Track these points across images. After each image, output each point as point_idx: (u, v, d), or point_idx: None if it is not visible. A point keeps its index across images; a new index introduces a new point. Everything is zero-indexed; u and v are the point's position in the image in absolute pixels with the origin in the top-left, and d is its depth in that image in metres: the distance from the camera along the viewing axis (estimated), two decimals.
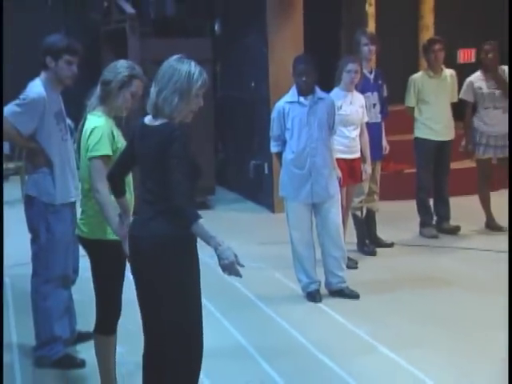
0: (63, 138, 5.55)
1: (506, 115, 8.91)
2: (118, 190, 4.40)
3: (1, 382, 3.91)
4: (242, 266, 4.05)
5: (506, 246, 8.29)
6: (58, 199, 5.42)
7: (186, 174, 3.90)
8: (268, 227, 8.97)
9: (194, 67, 4.05)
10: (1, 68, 3.21)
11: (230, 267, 3.96)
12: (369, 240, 8.34)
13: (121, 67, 4.66)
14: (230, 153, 11.27)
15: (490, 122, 9.02)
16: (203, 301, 6.62)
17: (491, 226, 9.20)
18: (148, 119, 4.19)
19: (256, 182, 10.75)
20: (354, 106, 7.51)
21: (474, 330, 6.09)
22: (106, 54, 11.65)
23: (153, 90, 4.11)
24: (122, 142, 4.60)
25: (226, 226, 9.64)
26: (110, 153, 4.50)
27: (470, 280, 7.39)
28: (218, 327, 6.27)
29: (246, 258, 8.00)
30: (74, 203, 5.62)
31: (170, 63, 4.15)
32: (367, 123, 7.75)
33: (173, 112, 4.03)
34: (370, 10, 11.25)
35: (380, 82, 8.34)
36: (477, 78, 9.04)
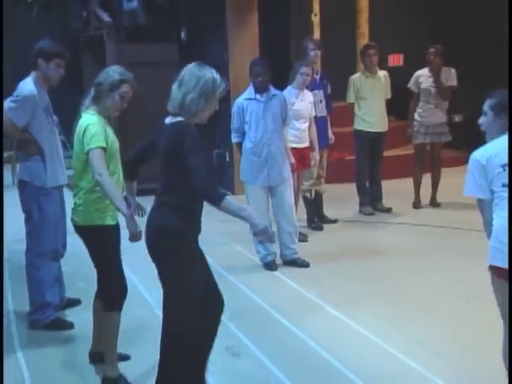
0: (51, 130, 5.56)
1: (438, 110, 9.06)
2: (130, 175, 4.52)
3: (1, 377, 3.77)
4: (273, 232, 4.24)
5: (429, 221, 8.50)
6: (48, 183, 5.41)
7: (202, 161, 3.87)
8: None
9: (215, 74, 4.04)
10: (1, 69, 3.12)
11: (264, 233, 3.95)
12: (317, 217, 8.40)
13: (113, 72, 4.54)
14: None
15: (424, 114, 9.11)
16: None
17: (417, 205, 9.34)
18: (168, 119, 4.14)
19: (219, 168, 10.75)
20: (304, 103, 7.58)
21: (406, 288, 6.22)
22: (86, 58, 11.58)
23: (177, 92, 4.03)
24: (112, 138, 4.59)
25: None
26: (105, 145, 4.39)
27: (401, 249, 7.53)
28: None
29: (210, 234, 8.11)
30: (62, 186, 5.63)
31: (193, 69, 4.07)
32: (315, 117, 7.81)
33: (198, 112, 4.03)
34: (315, 20, 11.29)
35: (325, 81, 8.38)
36: (422, 73, 9.12)
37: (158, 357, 4.11)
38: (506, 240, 3.74)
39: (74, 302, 5.96)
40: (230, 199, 3.86)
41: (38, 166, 5.36)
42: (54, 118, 5.80)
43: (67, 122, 12.55)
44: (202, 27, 11.12)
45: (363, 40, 11.30)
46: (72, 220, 4.62)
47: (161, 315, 4.16)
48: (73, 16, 12.35)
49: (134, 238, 4.29)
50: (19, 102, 5.29)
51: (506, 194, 3.76)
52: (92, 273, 6.83)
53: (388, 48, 11.13)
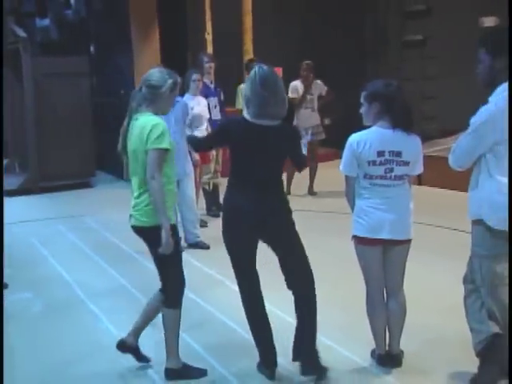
0: None
1: (314, 113, 9.32)
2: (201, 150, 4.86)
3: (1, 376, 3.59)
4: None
5: (307, 206, 8.72)
6: None
7: None
8: None
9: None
10: (1, 73, 2.95)
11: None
12: (214, 206, 8.49)
13: (167, 75, 4.02)
14: (106, 144, 11.15)
15: (302, 117, 9.32)
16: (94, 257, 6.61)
17: (287, 193, 9.46)
18: (263, 121, 3.89)
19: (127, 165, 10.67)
20: (201, 106, 7.66)
21: None
22: (4, 69, 11.26)
23: (267, 95, 3.84)
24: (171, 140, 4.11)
25: (106, 199, 9.65)
26: (170, 147, 3.92)
27: None
28: (105, 274, 6.30)
29: (124, 223, 8.07)
30: None
31: (270, 71, 3.95)
32: (211, 119, 7.90)
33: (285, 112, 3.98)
34: (208, 37, 11.40)
35: (218, 89, 8.50)
36: (297, 83, 9.31)
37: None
38: (364, 216, 3.99)
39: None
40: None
41: None
42: None
43: None
44: (110, 42, 11.04)
45: (248, 55, 11.48)
46: (137, 221, 4.09)
47: None
48: None
49: (167, 249, 3.93)
50: None
51: (373, 187, 3.95)
52: (17, 259, 6.82)
53: (269, 62, 11.32)
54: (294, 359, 4.15)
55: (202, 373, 4.20)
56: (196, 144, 4.87)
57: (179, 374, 4.15)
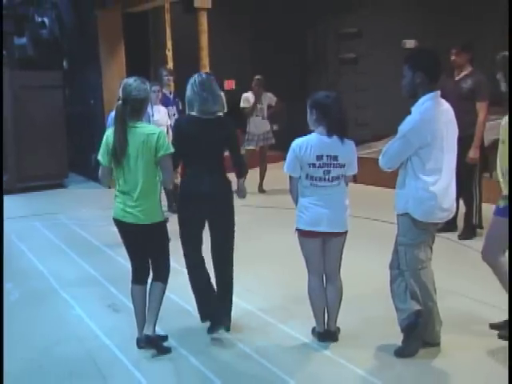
0: None
1: (265, 120, 9.35)
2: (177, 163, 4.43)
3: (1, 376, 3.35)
4: None
5: (257, 203, 8.74)
6: None
7: None
8: (106, 198, 8.76)
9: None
10: (1, 72, 2.77)
11: None
12: (174, 203, 8.39)
13: (144, 84, 3.97)
14: (77, 149, 11.00)
15: (254, 124, 9.35)
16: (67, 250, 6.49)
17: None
18: (205, 115, 4.20)
19: (96, 168, 10.48)
20: (160, 114, 7.62)
21: (240, 251, 6.35)
22: None
23: (206, 95, 4.15)
24: None
25: (78, 198, 9.51)
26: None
27: (240, 224, 7.57)
28: (77, 266, 6.20)
29: (94, 219, 8.00)
30: None
31: (206, 77, 4.29)
32: (171, 126, 7.84)
33: None
34: (169, 54, 11.31)
35: (177, 99, 8.46)
36: (248, 95, 9.32)
37: None
38: (305, 211, 4.02)
39: None
40: None
41: None
42: None
43: None
44: (81, 58, 10.89)
45: (205, 69, 11.40)
46: (138, 219, 3.94)
47: None
48: None
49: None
50: None
51: (313, 187, 3.98)
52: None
53: (224, 75, 11.33)
54: (204, 320, 4.38)
55: (167, 350, 4.16)
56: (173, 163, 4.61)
57: (153, 341, 4.10)
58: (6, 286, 5.59)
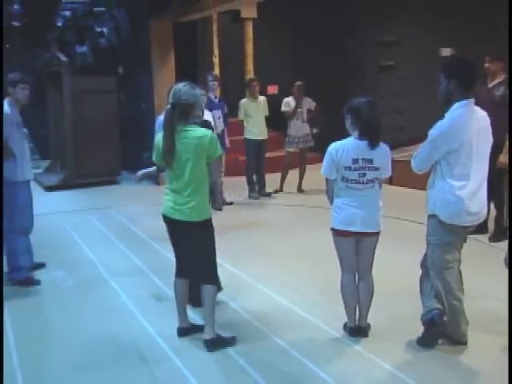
0: (21, 139, 5.41)
1: (305, 123, 9.27)
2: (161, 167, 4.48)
3: (1, 376, 3.22)
4: None
5: (296, 202, 8.69)
6: (19, 178, 5.29)
7: None
8: (154, 194, 8.85)
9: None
10: (1, 76, 2.83)
11: None
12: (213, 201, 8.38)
13: (194, 89, 3.90)
14: (130, 148, 11.13)
15: (294, 127, 9.28)
16: (116, 242, 6.58)
17: (279, 190, 9.45)
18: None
19: (147, 166, 10.60)
20: (205, 117, 7.59)
21: (279, 247, 6.32)
22: (49, 87, 11.29)
23: None
24: None
25: (129, 194, 9.61)
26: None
27: (276, 221, 7.65)
28: (125, 257, 6.24)
29: (143, 214, 8.06)
30: (29, 181, 5.49)
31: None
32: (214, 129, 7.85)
33: None
34: (216, 60, 11.37)
35: (222, 103, 8.46)
36: (289, 100, 9.25)
37: None
38: (339, 211, 3.96)
39: (41, 265, 5.85)
40: None
41: (11, 166, 5.23)
42: (25, 130, 5.65)
43: (37, 134, 12.20)
44: (134, 64, 11.01)
45: (249, 75, 11.44)
46: (186, 216, 3.87)
47: None
48: (38, 57, 12.04)
49: None
50: None
51: (348, 189, 3.91)
52: (54, 242, 6.78)
53: (267, 81, 11.30)
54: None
55: (233, 340, 4.08)
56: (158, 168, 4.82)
57: (217, 342, 4.01)
58: (60, 273, 5.71)
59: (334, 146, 3.93)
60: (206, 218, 3.92)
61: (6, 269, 5.48)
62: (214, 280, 4.06)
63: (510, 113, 3.67)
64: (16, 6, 11.34)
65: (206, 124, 4.52)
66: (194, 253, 4.01)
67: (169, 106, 3.86)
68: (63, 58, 10.48)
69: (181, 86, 3.90)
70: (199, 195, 3.86)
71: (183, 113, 3.83)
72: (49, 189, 10.09)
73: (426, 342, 3.94)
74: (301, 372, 3.71)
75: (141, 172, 4.98)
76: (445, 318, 3.86)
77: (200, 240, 3.96)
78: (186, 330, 4.20)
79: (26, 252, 5.49)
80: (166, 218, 4.01)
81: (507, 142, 5.93)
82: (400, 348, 3.97)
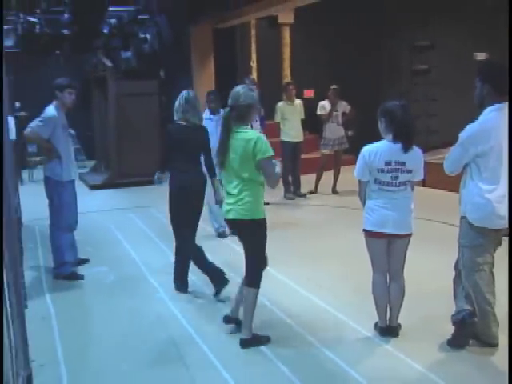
0: (66, 140, 5.52)
1: (340, 126, 9.19)
2: (164, 164, 5.12)
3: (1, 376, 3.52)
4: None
5: (330, 203, 8.60)
6: (64, 178, 5.38)
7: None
8: None
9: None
10: (1, 76, 2.94)
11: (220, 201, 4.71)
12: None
13: (251, 91, 3.87)
14: None
15: (329, 130, 9.21)
16: (156, 240, 6.60)
17: (314, 191, 9.37)
18: (184, 122, 4.88)
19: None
20: None
21: (314, 248, 6.28)
22: (94, 91, 11.47)
23: (188, 108, 4.86)
24: None
25: (165, 193, 9.66)
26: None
27: (311, 221, 7.59)
28: (164, 255, 6.23)
29: None
30: (74, 180, 5.58)
31: (192, 94, 4.93)
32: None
33: None
34: (253, 65, 11.36)
35: (259, 106, 8.41)
36: (324, 103, 9.20)
37: None
38: (371, 213, 3.89)
39: (84, 261, 5.95)
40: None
41: (56, 166, 5.34)
42: (72, 131, 5.75)
43: (83, 135, 12.40)
44: (175, 68, 11.10)
45: (286, 79, 11.39)
46: (239, 215, 3.84)
47: None
48: (86, 62, 12.28)
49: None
50: (44, 121, 5.27)
51: (381, 191, 3.85)
52: (97, 239, 6.88)
53: (303, 85, 11.24)
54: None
55: (267, 339, 4.05)
56: (162, 165, 5.11)
57: (251, 342, 3.99)
58: (103, 269, 5.79)
59: (367, 149, 3.87)
60: (259, 218, 3.85)
61: (52, 264, 5.61)
62: (258, 284, 3.99)
63: (509, 113, 3.56)
64: (66, 15, 11.55)
65: (197, 128, 4.92)
66: (246, 252, 3.98)
67: (227, 109, 3.87)
68: (108, 63, 10.66)
69: (239, 88, 3.89)
70: (249, 195, 3.81)
71: (240, 114, 3.82)
72: (93, 188, 10.26)
73: (457, 342, 3.86)
74: (333, 370, 3.67)
75: (156, 176, 5.08)
76: (475, 319, 3.76)
77: (251, 239, 3.92)
78: (230, 320, 4.20)
79: (70, 248, 5.59)
80: (226, 220, 4.02)
81: None
82: (430, 348, 3.89)
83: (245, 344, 3.98)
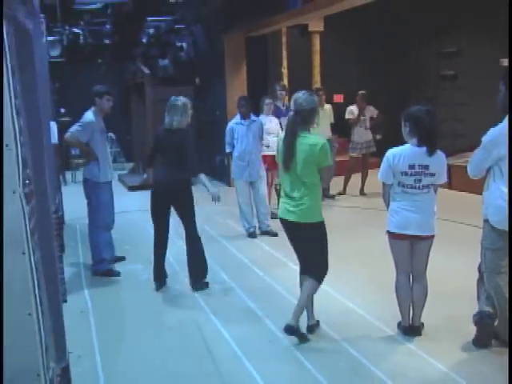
0: (104, 144, 5.60)
1: (367, 130, 9.11)
2: (151, 162, 5.34)
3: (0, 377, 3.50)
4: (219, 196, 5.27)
5: (359, 204, 8.50)
6: (101, 179, 5.45)
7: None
8: (226, 195, 8.92)
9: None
10: (0, 77, 2.92)
11: (215, 196, 5.22)
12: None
13: (315, 99, 3.88)
14: (204, 151, 11.28)
15: (357, 134, 9.13)
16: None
17: (343, 193, 9.30)
18: (169, 126, 5.03)
19: (219, 168, 10.75)
20: (272, 123, 7.53)
21: (345, 249, 6.08)
22: (133, 96, 11.60)
23: (172, 113, 5.01)
24: None
25: (204, 195, 9.59)
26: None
27: (341, 223, 7.44)
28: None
29: (214, 213, 8.12)
30: (111, 181, 5.65)
31: (178, 100, 5.05)
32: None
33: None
34: (284, 71, 11.33)
35: (289, 111, 8.38)
36: (353, 108, 9.12)
37: None
38: (395, 215, 3.83)
39: (121, 259, 6.02)
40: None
41: (94, 168, 5.41)
42: (111, 135, 5.83)
43: (122, 139, 12.54)
44: (209, 75, 11.15)
45: (316, 85, 11.31)
46: (298, 218, 3.85)
47: None
48: (125, 70, 12.44)
49: None
50: (83, 126, 5.34)
51: (404, 194, 3.79)
52: (134, 238, 6.94)
53: (333, 90, 11.15)
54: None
55: (305, 337, 3.99)
56: (147, 161, 5.36)
57: (295, 331, 3.91)
58: (138, 267, 5.84)
59: (391, 152, 3.82)
60: (319, 221, 3.86)
61: (90, 261, 5.68)
62: (321, 279, 3.98)
63: (509, 114, 3.44)
64: (108, 26, 11.74)
65: (177, 132, 5.01)
66: (308, 252, 3.97)
67: (291, 113, 3.85)
68: (146, 70, 10.80)
69: (300, 94, 3.85)
70: (310, 199, 3.80)
71: (304, 119, 3.79)
72: (132, 189, 10.36)
73: (480, 342, 3.77)
74: (357, 368, 3.62)
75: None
76: (496, 320, 3.66)
77: (313, 240, 3.91)
78: (293, 330, 3.95)
79: (107, 246, 5.65)
80: (282, 220, 3.97)
81: None
82: (452, 348, 3.80)
83: (290, 331, 3.90)
